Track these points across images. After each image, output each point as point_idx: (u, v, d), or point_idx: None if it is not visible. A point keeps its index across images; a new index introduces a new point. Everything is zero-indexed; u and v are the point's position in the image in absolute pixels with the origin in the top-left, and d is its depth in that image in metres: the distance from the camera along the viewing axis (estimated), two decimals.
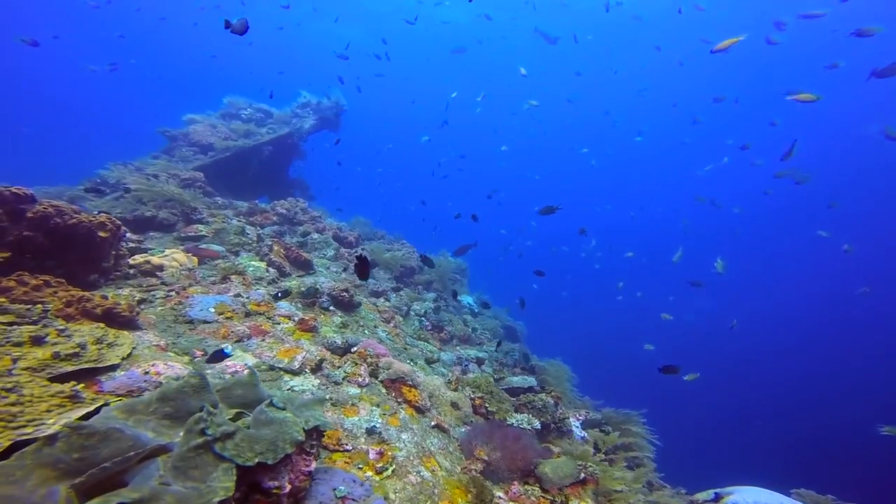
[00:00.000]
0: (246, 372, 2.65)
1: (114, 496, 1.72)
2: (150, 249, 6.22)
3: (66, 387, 2.42)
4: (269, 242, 7.17)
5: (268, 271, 6.40)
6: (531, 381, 7.33)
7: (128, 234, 6.12)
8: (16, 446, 2.00)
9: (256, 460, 2.08)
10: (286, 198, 10.65)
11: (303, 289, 5.96)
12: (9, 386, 2.25)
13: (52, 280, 4.00)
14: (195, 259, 6.10)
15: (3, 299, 3.31)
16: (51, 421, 2.21)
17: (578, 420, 6.78)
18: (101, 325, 3.41)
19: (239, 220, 8.50)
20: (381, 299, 7.81)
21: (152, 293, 4.85)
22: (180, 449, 1.99)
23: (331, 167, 18.11)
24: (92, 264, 4.92)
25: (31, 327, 2.99)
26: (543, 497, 3.91)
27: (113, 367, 3.15)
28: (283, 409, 2.45)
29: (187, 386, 2.34)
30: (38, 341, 2.87)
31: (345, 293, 6.21)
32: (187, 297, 4.90)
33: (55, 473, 1.79)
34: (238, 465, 2.05)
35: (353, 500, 2.88)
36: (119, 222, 5.08)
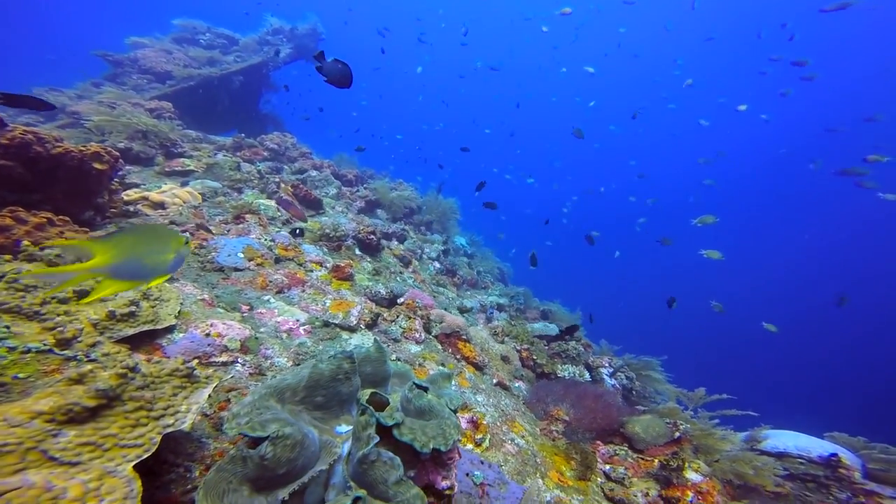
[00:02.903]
0: (373, 347, 2.18)
1: None
2: (141, 185, 5.34)
3: (178, 362, 1.84)
4: (276, 179, 6.37)
5: (279, 211, 5.68)
6: (552, 327, 7.11)
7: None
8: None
9: (431, 445, 1.66)
10: (260, 134, 9.59)
11: (327, 230, 5.31)
12: (130, 364, 1.67)
13: (55, 218, 3.23)
14: (198, 195, 5.28)
15: (27, 242, 2.57)
16: (183, 408, 1.68)
17: (605, 368, 6.68)
18: None
19: (225, 155, 7.55)
20: (394, 241, 7.23)
21: None
22: (356, 459, 1.54)
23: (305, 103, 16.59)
24: (85, 200, 4.10)
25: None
26: (642, 458, 3.66)
27: (170, 329, 2.54)
28: (427, 389, 2.00)
29: (341, 373, 1.85)
30: (83, 296, 2.21)
31: (372, 235, 5.62)
32: (207, 240, 4.19)
33: (255, 487, 1.45)
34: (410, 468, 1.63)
35: (490, 485, 2.50)
36: (117, 153, 4.21)
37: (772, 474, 3.70)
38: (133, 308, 2.31)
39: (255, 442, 1.58)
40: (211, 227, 4.60)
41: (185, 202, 5.00)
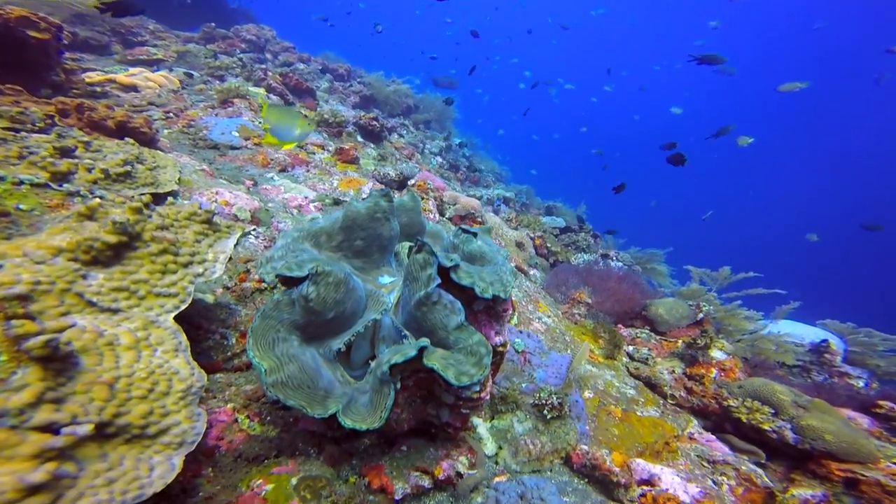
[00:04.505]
0: (407, 196, 1.91)
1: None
2: (103, 70, 4.65)
3: (195, 206, 1.54)
4: (262, 68, 5.68)
5: (269, 97, 5.08)
6: (560, 220, 6.88)
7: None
8: None
9: (490, 291, 1.42)
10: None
11: (326, 116, 4.78)
12: (145, 200, 1.45)
13: (4, 87, 2.68)
14: (175, 80, 4.65)
15: None
16: (210, 256, 1.46)
17: (613, 260, 6.51)
18: (131, 140, 2.29)
19: (197, 45, 6.70)
20: (395, 135, 6.70)
21: (147, 113, 3.57)
22: (413, 302, 1.33)
23: None
24: (34, 76, 3.48)
25: (45, 136, 1.89)
26: (665, 340, 3.52)
27: (172, 194, 2.16)
28: (476, 235, 1.69)
29: (378, 211, 1.60)
30: (67, 154, 1.81)
31: (374, 122, 5.11)
32: (195, 119, 3.69)
33: (305, 336, 1.33)
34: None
35: (531, 353, 2.39)
36: (58, 22, 3.49)
37: (792, 351, 3.64)
38: (128, 168, 1.92)
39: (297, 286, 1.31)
40: (197, 110, 4.05)
41: (160, 86, 4.38)
